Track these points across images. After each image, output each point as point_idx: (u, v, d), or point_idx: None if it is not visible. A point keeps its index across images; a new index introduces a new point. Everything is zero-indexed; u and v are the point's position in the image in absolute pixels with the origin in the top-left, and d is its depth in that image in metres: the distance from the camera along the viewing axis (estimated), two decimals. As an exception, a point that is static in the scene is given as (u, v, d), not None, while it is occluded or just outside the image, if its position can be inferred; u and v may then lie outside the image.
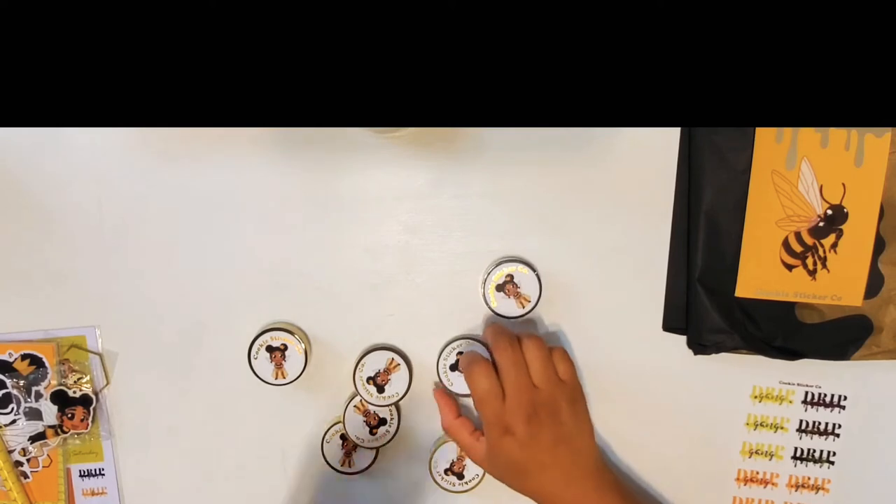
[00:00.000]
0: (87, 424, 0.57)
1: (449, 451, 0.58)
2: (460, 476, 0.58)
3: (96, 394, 0.58)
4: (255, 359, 0.55)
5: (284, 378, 0.56)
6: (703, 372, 0.57)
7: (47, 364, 0.57)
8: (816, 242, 0.54)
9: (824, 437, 0.58)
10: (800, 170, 0.54)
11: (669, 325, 0.57)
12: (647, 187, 0.56)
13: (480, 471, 0.58)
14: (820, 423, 0.58)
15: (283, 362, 0.55)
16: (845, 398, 0.58)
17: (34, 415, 0.58)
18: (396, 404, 0.58)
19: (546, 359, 0.52)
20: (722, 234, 0.55)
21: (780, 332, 0.55)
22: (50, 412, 0.57)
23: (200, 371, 0.58)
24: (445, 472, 0.58)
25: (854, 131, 0.53)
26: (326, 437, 0.58)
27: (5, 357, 0.57)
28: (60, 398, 0.57)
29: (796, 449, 0.59)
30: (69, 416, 0.57)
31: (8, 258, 0.56)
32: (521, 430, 0.50)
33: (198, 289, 0.57)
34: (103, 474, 0.59)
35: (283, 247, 0.57)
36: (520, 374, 0.51)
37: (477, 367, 0.52)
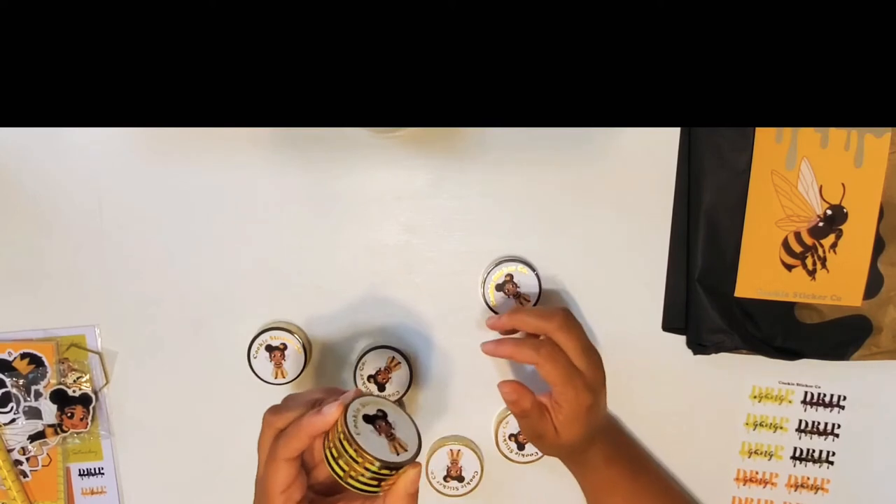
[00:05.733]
0: (87, 423, 0.57)
1: (443, 458, 0.58)
2: (460, 479, 0.58)
3: (96, 393, 0.58)
4: (255, 358, 0.55)
5: (284, 378, 0.56)
6: (703, 372, 0.57)
7: (47, 363, 0.57)
8: (816, 242, 0.54)
9: (824, 437, 0.58)
10: (799, 170, 0.54)
11: (669, 325, 0.57)
12: (647, 187, 0.56)
13: (478, 472, 0.58)
14: (819, 423, 0.58)
15: (282, 362, 0.55)
16: (845, 398, 0.58)
17: (34, 414, 0.58)
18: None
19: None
20: (722, 234, 0.55)
21: (780, 332, 0.55)
22: (49, 411, 0.57)
23: (200, 370, 0.58)
24: (445, 478, 0.58)
25: (854, 131, 0.53)
26: (326, 436, 0.58)
27: (5, 356, 0.57)
28: (60, 397, 0.57)
29: (795, 449, 0.59)
30: (69, 415, 0.57)
31: (7, 258, 0.56)
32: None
33: (197, 288, 0.57)
34: (103, 473, 0.59)
35: (283, 246, 0.56)
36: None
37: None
